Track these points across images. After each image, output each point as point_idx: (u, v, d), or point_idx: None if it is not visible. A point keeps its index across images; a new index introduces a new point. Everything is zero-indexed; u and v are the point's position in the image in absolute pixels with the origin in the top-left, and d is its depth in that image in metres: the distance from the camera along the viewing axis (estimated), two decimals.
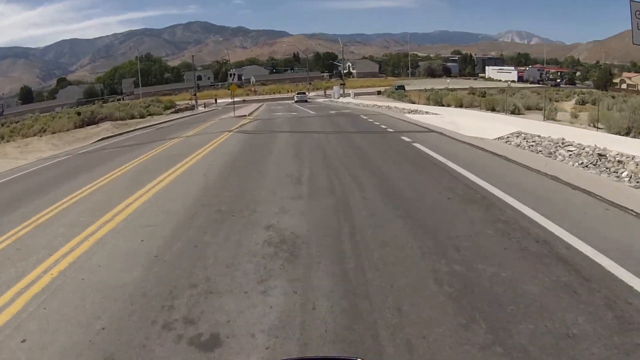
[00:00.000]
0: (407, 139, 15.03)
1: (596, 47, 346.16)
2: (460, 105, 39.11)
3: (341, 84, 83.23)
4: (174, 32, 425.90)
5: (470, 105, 38.54)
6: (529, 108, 34.82)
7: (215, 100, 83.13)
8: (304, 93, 76.21)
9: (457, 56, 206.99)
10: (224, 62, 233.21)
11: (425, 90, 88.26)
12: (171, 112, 61.09)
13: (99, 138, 29.05)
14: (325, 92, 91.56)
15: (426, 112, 29.95)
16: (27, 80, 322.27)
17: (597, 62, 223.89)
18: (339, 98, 77.41)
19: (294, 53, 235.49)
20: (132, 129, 33.80)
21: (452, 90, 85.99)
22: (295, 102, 71.03)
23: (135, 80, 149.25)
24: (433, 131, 17.95)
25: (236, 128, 23.38)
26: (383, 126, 20.44)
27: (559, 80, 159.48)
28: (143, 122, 40.25)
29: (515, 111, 31.48)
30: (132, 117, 49.37)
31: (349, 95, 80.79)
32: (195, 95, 79.37)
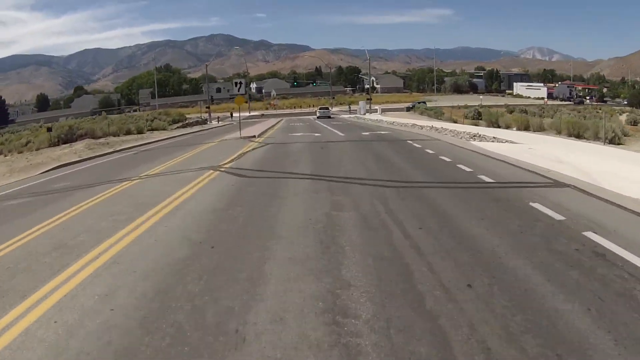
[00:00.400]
0: (556, 215, 6.98)
1: (618, 63, 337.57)
2: (526, 128, 30.73)
3: (367, 99, 75.10)
4: (197, 44, 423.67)
5: (540, 129, 30.14)
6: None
7: (231, 114, 75.44)
8: (327, 108, 68.08)
9: (482, 72, 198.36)
10: (245, 74, 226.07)
11: (459, 107, 79.91)
12: (177, 127, 53.60)
13: (55, 166, 21.35)
14: (349, 107, 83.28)
15: (493, 137, 21.58)
16: (50, 88, 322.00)
17: (623, 78, 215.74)
18: (365, 114, 69.54)
19: (316, 67, 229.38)
20: (108, 151, 26.15)
21: (489, 107, 78.10)
22: (318, 117, 63.34)
23: (153, 91, 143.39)
24: (561, 183, 9.85)
25: (230, 161, 15.32)
26: (463, 167, 12.24)
27: (587, 98, 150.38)
28: (131, 141, 32.61)
29: (614, 140, 23.12)
30: (128, 133, 42.03)
31: (375, 111, 72.86)
32: (208, 108, 71.99)
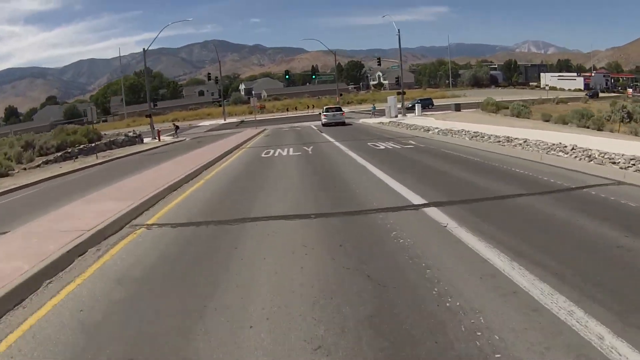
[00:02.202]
0: None
1: (616, 53, 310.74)
2: None
3: (398, 93, 45.25)
4: (191, 50, 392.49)
5: None
6: None
7: (175, 128, 46.31)
8: (339, 109, 38.09)
9: (496, 64, 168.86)
10: (235, 77, 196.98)
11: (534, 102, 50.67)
12: (44, 162, 24.26)
13: None
14: (374, 107, 52.65)
15: None
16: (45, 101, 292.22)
17: (637, 67, 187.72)
18: (396, 116, 40.15)
19: (313, 66, 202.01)
20: None
21: (557, 103, 49.64)
22: (324, 125, 34.62)
23: (124, 98, 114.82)
24: None
25: None
26: None
27: (629, 89, 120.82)
28: None
29: None
30: None
31: (411, 111, 43.56)
32: (149, 117, 42.75)
